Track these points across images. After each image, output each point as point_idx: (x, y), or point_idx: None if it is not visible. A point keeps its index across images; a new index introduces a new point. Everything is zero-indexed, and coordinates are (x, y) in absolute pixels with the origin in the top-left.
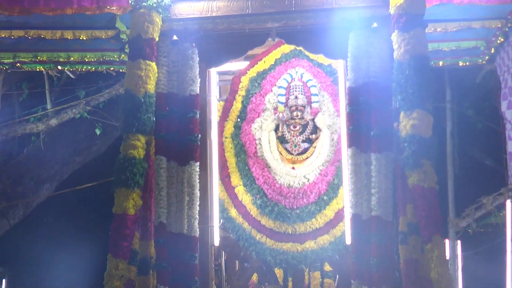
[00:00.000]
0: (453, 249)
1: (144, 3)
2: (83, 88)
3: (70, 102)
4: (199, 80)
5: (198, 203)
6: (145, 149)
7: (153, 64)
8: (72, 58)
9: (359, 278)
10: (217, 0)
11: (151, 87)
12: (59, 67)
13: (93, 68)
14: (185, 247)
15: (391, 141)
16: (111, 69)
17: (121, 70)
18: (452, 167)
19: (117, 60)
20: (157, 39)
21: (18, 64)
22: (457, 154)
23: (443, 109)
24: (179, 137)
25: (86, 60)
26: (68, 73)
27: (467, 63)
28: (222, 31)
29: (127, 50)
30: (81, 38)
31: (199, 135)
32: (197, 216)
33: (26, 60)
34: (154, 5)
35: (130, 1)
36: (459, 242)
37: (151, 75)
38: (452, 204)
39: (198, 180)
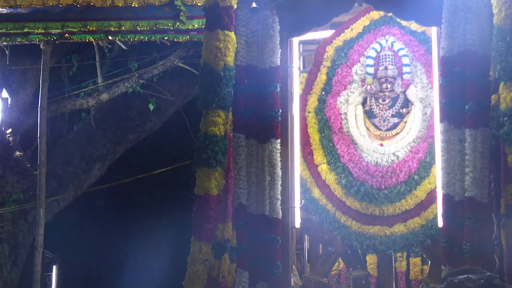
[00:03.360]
0: None
1: None
2: (136, 60)
3: (122, 75)
4: (279, 51)
5: (280, 183)
6: (225, 126)
7: (232, 34)
8: (123, 27)
9: (450, 264)
10: None
11: (230, 59)
12: (110, 37)
13: (146, 38)
14: (267, 230)
15: (488, 116)
16: (165, 38)
17: (176, 40)
18: None
19: (172, 28)
20: (235, 6)
21: (66, 34)
22: None
23: None
24: (259, 112)
25: (139, 29)
26: (120, 43)
27: None
28: None
29: (182, 18)
30: (133, 6)
31: (280, 110)
32: (279, 197)
33: (75, 30)
34: None
35: None
36: None
37: (230, 47)
38: None
39: (279, 159)
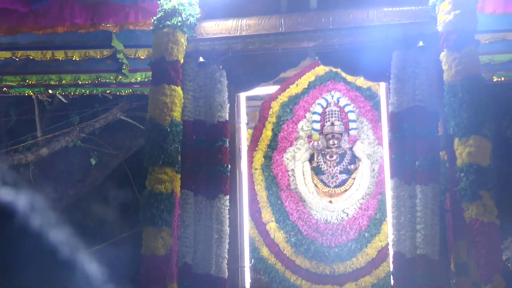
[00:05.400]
0: None
1: (168, 22)
2: (77, 114)
3: (63, 129)
4: (228, 105)
5: (227, 241)
6: (172, 183)
7: (179, 89)
8: (64, 81)
9: None
10: (247, 18)
11: (177, 114)
12: (50, 91)
13: (88, 92)
14: None
15: (438, 172)
16: (108, 92)
17: (118, 93)
18: None
19: (114, 82)
20: (182, 61)
21: (4, 88)
22: (496, 178)
23: None
24: (207, 168)
25: (80, 82)
26: (60, 97)
27: (503, 78)
28: (252, 52)
29: (125, 71)
30: (73, 59)
31: (229, 166)
32: (226, 256)
33: (14, 84)
34: (179, 24)
35: (152, 20)
36: None
37: (177, 101)
38: None
39: (228, 216)
